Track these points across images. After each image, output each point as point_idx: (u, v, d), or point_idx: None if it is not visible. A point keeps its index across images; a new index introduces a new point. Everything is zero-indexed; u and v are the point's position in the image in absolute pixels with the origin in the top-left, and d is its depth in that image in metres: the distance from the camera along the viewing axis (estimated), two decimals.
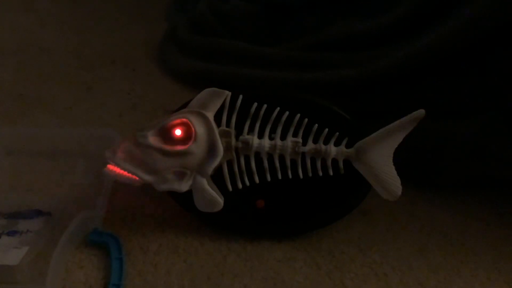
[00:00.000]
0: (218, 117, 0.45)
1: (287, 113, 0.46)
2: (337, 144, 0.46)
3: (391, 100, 0.60)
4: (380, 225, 0.52)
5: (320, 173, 0.46)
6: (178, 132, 0.44)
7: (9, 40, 0.89)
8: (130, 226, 0.50)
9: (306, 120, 0.46)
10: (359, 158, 0.46)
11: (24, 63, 0.82)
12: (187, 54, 0.81)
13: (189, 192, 0.45)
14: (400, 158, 0.46)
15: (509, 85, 0.53)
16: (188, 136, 0.44)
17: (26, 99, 0.72)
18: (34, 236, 0.47)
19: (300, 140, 0.46)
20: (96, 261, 0.46)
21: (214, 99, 0.45)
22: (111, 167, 0.45)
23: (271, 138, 0.46)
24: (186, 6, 0.96)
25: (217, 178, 0.46)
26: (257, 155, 0.46)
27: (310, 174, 0.46)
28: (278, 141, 0.45)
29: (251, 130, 0.46)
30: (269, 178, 0.46)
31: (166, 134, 0.44)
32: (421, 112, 0.44)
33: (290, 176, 0.46)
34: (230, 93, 0.45)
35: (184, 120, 0.44)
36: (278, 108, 0.46)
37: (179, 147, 0.44)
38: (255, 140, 0.45)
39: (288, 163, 0.46)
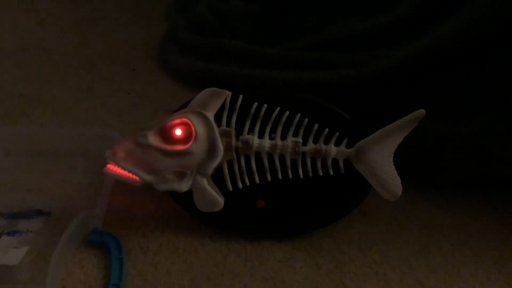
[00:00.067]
0: (218, 117, 0.45)
1: (287, 113, 0.46)
2: (337, 144, 0.46)
3: (391, 100, 0.60)
4: (380, 225, 0.52)
5: (321, 173, 0.46)
6: (178, 132, 0.44)
7: (9, 40, 0.89)
8: (130, 226, 0.50)
9: (306, 120, 0.46)
10: (360, 158, 0.46)
11: (24, 63, 0.82)
12: (187, 54, 0.81)
13: (189, 192, 0.45)
14: (400, 158, 0.46)
15: (509, 85, 0.53)
16: (188, 136, 0.44)
17: (26, 99, 0.72)
18: (34, 236, 0.47)
19: (300, 140, 0.46)
20: (96, 261, 0.46)
21: (214, 99, 0.45)
22: (111, 167, 0.45)
23: (271, 138, 0.46)
24: (187, 6, 0.96)
25: (217, 178, 0.46)
26: (257, 155, 0.46)
27: (311, 174, 0.46)
28: (279, 141, 0.45)
29: (251, 130, 0.46)
30: (269, 178, 0.46)
31: (166, 134, 0.44)
32: (421, 112, 0.44)
33: (290, 176, 0.46)
34: (230, 93, 0.45)
35: (185, 120, 0.44)
36: (279, 108, 0.46)
37: (179, 147, 0.44)
38: (255, 140, 0.45)
39: (288, 163, 0.46)
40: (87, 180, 0.55)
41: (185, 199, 0.46)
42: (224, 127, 0.45)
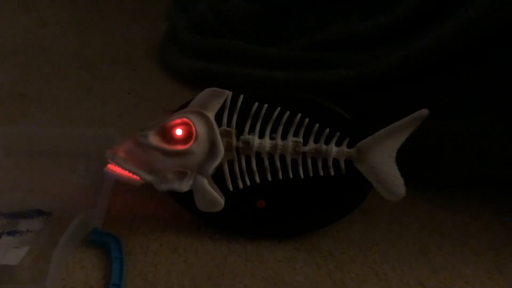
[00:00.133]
0: (219, 117, 0.45)
1: (288, 113, 0.46)
2: (338, 144, 0.46)
3: (391, 100, 0.60)
4: (380, 225, 0.52)
5: (321, 173, 0.46)
6: (178, 132, 0.44)
7: (9, 40, 0.89)
8: (130, 226, 0.50)
9: (307, 120, 0.46)
10: (361, 158, 0.46)
11: (24, 63, 0.82)
12: (187, 54, 0.81)
13: (190, 192, 0.45)
14: (400, 158, 0.46)
15: (509, 85, 0.53)
16: (188, 136, 0.44)
17: (27, 99, 0.72)
18: (34, 236, 0.47)
19: (301, 140, 0.46)
20: (96, 261, 0.46)
21: (215, 99, 0.45)
22: (111, 166, 0.46)
23: (272, 138, 0.46)
24: (187, 6, 0.96)
25: (217, 178, 0.46)
26: (258, 155, 0.46)
27: (311, 174, 0.46)
28: (279, 141, 0.45)
29: (252, 130, 0.46)
30: (270, 178, 0.46)
31: (166, 134, 0.44)
32: (424, 111, 0.44)
33: (291, 176, 0.46)
34: (231, 93, 0.46)
35: (185, 120, 0.44)
36: (279, 108, 0.46)
37: (180, 147, 0.44)
38: (256, 140, 0.45)
39: (289, 163, 0.46)
40: (87, 180, 0.55)
41: (186, 199, 0.46)
42: (224, 127, 0.45)
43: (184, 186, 0.44)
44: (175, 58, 0.81)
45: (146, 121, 0.46)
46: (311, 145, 0.46)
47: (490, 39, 0.53)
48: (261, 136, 0.46)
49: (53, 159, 0.58)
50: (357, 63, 0.64)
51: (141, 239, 0.49)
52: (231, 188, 0.45)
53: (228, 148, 0.45)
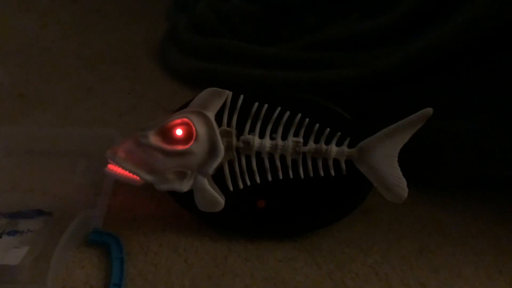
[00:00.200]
0: (219, 117, 0.45)
1: (288, 113, 0.46)
2: (338, 144, 0.46)
3: (391, 100, 0.60)
4: (381, 225, 0.52)
5: (322, 173, 0.46)
6: (179, 132, 0.44)
7: (9, 40, 0.89)
8: (130, 226, 0.50)
9: (307, 120, 0.46)
10: (362, 159, 0.46)
11: (24, 63, 0.82)
12: (188, 54, 0.81)
13: (190, 192, 0.45)
14: (400, 158, 0.46)
15: (509, 85, 0.53)
16: (189, 136, 0.44)
17: (27, 99, 0.72)
18: (34, 236, 0.47)
19: (301, 140, 0.46)
20: (96, 261, 0.46)
21: (215, 99, 0.45)
22: (111, 167, 0.46)
23: (272, 138, 0.46)
24: (187, 6, 0.96)
25: (218, 178, 0.46)
26: (258, 155, 0.46)
27: (311, 174, 0.46)
28: (279, 141, 0.45)
29: (252, 130, 0.46)
30: (270, 178, 0.46)
31: (167, 134, 0.44)
32: (428, 110, 0.43)
33: (291, 176, 0.46)
34: (231, 93, 0.46)
35: (185, 120, 0.44)
36: (279, 108, 0.46)
37: (180, 147, 0.44)
38: (256, 140, 0.45)
39: (289, 163, 0.46)
40: (87, 180, 0.55)
41: (186, 199, 0.46)
42: (224, 127, 0.45)
43: (185, 186, 0.44)
44: (175, 58, 0.81)
45: (146, 121, 0.46)
46: (312, 145, 0.46)
47: (490, 39, 0.53)
48: (261, 136, 0.46)
49: (53, 159, 0.58)
50: (357, 63, 0.64)
51: (142, 239, 0.49)
52: (231, 188, 0.45)
53: (228, 148, 0.45)
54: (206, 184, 0.44)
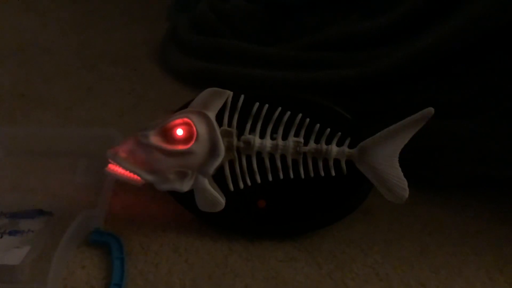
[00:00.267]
0: (219, 117, 0.45)
1: (288, 113, 0.46)
2: (339, 144, 0.46)
3: (391, 100, 0.61)
4: (381, 225, 0.53)
5: (322, 173, 0.46)
6: (179, 132, 0.44)
7: (10, 40, 0.90)
8: (131, 226, 0.50)
9: (307, 120, 0.46)
10: (362, 159, 0.46)
11: (25, 63, 0.82)
12: (188, 54, 0.81)
13: (191, 192, 0.45)
14: (400, 158, 0.46)
15: (509, 85, 0.53)
16: (189, 136, 0.44)
17: (27, 99, 0.72)
18: (35, 235, 0.47)
19: (301, 140, 0.46)
20: (97, 260, 0.46)
21: (216, 99, 0.45)
22: (112, 166, 0.46)
23: (272, 138, 0.46)
24: (187, 6, 0.96)
25: (218, 178, 0.46)
26: (259, 155, 0.46)
27: (312, 174, 0.46)
28: (280, 141, 0.45)
29: (252, 130, 0.46)
30: (270, 178, 0.46)
31: (167, 134, 0.44)
32: (429, 110, 0.43)
33: (292, 176, 0.46)
34: (231, 93, 0.46)
35: (186, 120, 0.44)
36: (280, 108, 0.46)
37: (181, 147, 0.44)
38: (256, 140, 0.45)
39: (290, 163, 0.46)
40: (88, 180, 0.55)
41: (186, 199, 0.46)
42: (225, 127, 0.45)
43: (185, 186, 0.44)
44: (176, 58, 0.81)
45: (146, 121, 0.46)
46: (312, 145, 0.46)
47: (490, 39, 0.53)
48: (262, 136, 0.46)
49: (54, 159, 0.58)
50: (357, 63, 0.64)
51: (142, 239, 0.49)
52: (232, 188, 0.45)
53: (229, 148, 0.45)
54: (207, 184, 0.44)
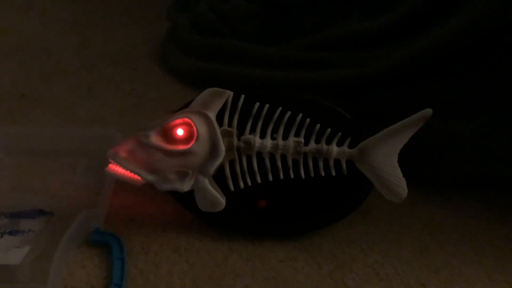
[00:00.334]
0: (220, 117, 0.45)
1: (289, 113, 0.46)
2: (339, 144, 0.46)
3: (391, 100, 0.61)
4: (381, 225, 0.53)
5: (322, 174, 0.46)
6: (180, 132, 0.44)
7: (10, 40, 0.90)
8: (131, 226, 0.50)
9: (308, 120, 0.46)
10: (362, 159, 0.46)
11: (25, 63, 0.82)
12: (188, 54, 0.81)
13: (191, 192, 0.45)
14: (400, 158, 0.46)
15: (509, 85, 0.53)
16: (190, 136, 0.44)
17: (27, 99, 0.72)
18: (35, 235, 0.47)
19: (302, 140, 0.46)
20: (97, 260, 0.46)
21: (216, 99, 0.45)
22: (112, 166, 0.46)
23: (273, 138, 0.46)
24: (188, 6, 0.96)
25: (219, 178, 0.46)
26: (259, 155, 0.46)
27: (312, 174, 0.46)
28: (280, 141, 0.46)
29: (253, 130, 0.46)
30: (271, 178, 0.46)
31: (168, 134, 0.45)
32: (428, 111, 0.43)
33: (292, 176, 0.46)
34: (232, 93, 0.46)
35: (186, 120, 0.44)
36: (280, 108, 0.46)
37: (181, 147, 0.44)
38: (257, 140, 0.45)
39: (290, 163, 0.46)
40: (88, 180, 0.55)
41: (187, 199, 0.46)
42: (225, 127, 0.45)
43: (185, 186, 0.44)
44: (176, 58, 0.81)
45: (147, 121, 0.46)
46: (312, 145, 0.46)
47: (490, 39, 0.53)
48: (262, 136, 0.46)
49: (54, 159, 0.58)
50: (357, 63, 0.64)
51: (142, 239, 0.49)
52: (232, 188, 0.46)
53: (229, 148, 0.45)
54: (207, 184, 0.44)
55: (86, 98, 0.73)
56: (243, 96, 0.45)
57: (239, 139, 0.46)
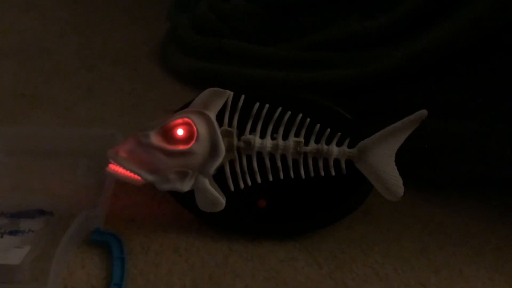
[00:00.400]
0: (220, 117, 0.45)
1: (289, 113, 0.46)
2: (339, 144, 0.46)
3: (391, 100, 0.61)
4: (381, 225, 0.53)
5: (322, 173, 0.46)
6: (180, 132, 0.44)
7: (10, 40, 0.90)
8: (131, 226, 0.50)
9: (308, 120, 0.46)
10: (362, 158, 0.46)
11: (25, 63, 0.82)
12: (188, 54, 0.81)
13: (191, 192, 0.45)
14: (400, 158, 0.46)
15: (509, 85, 0.53)
16: (190, 136, 0.44)
17: (28, 99, 0.72)
18: (36, 235, 0.47)
19: (302, 140, 0.46)
20: (97, 260, 0.46)
21: (216, 99, 0.45)
22: (113, 166, 0.46)
23: (273, 138, 0.46)
24: (188, 6, 0.96)
25: (219, 178, 0.46)
26: (259, 155, 0.46)
27: (312, 174, 0.46)
28: (280, 141, 0.46)
29: (253, 130, 0.46)
30: (271, 178, 0.46)
31: (168, 134, 0.45)
32: (423, 112, 0.44)
33: (292, 176, 0.46)
34: (232, 93, 0.46)
35: (186, 119, 0.44)
36: (280, 108, 0.46)
37: (181, 147, 0.44)
38: (257, 140, 0.45)
39: (290, 163, 0.46)
40: (89, 180, 0.55)
41: (187, 199, 0.46)
42: (226, 127, 0.45)
43: (186, 186, 0.44)
44: (176, 58, 0.81)
45: (147, 121, 0.46)
46: (312, 145, 0.46)
47: (490, 39, 0.53)
48: (262, 136, 0.46)
49: (54, 159, 0.58)
50: (357, 63, 0.64)
51: (142, 239, 0.49)
52: (232, 188, 0.46)
53: (229, 148, 0.45)
54: (207, 184, 0.44)
55: (86, 98, 0.73)
56: (243, 96, 0.45)
57: (239, 139, 0.46)
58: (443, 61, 0.56)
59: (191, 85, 0.76)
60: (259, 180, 0.46)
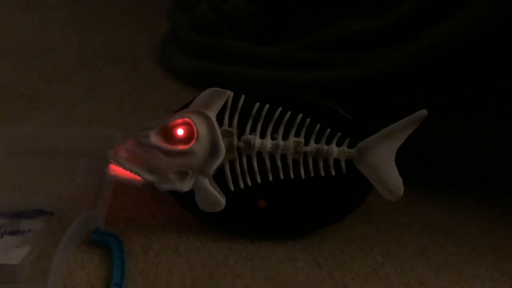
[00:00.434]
0: (220, 117, 0.45)
1: (289, 113, 0.46)
2: (339, 144, 0.46)
3: (391, 100, 0.61)
4: (381, 225, 0.53)
5: (322, 173, 0.46)
6: (180, 131, 0.44)
7: (10, 40, 0.90)
8: (131, 226, 0.50)
9: (308, 120, 0.46)
10: (362, 158, 0.46)
11: (25, 63, 0.82)
12: (188, 54, 0.81)
13: (191, 192, 0.45)
14: (401, 158, 0.46)
15: (509, 85, 0.53)
16: (190, 136, 0.44)
17: (28, 99, 0.72)
18: (36, 235, 0.47)
19: (302, 140, 0.46)
20: (97, 260, 0.46)
21: (216, 99, 0.45)
22: (113, 166, 0.46)
23: (273, 138, 0.46)
24: (188, 6, 0.96)
25: (219, 178, 0.46)
26: (259, 155, 0.46)
27: (312, 174, 0.46)
28: (280, 141, 0.46)
29: (253, 130, 0.46)
30: (271, 178, 0.46)
31: (168, 134, 0.44)
32: (423, 112, 0.44)
33: (292, 176, 0.46)
34: (232, 93, 0.46)
35: (186, 119, 0.44)
36: (280, 108, 0.46)
37: (181, 147, 0.44)
38: (257, 140, 0.45)
39: (290, 163, 0.46)
40: (89, 180, 0.55)
41: (187, 199, 0.46)
42: (226, 127, 0.45)
43: (186, 186, 0.44)
44: (176, 58, 0.81)
45: (147, 121, 0.46)
46: (312, 145, 0.46)
47: (490, 39, 0.53)
48: (263, 136, 0.46)
49: (55, 159, 0.58)
50: (357, 63, 0.64)
51: (142, 239, 0.49)
52: (232, 188, 0.45)
53: (229, 148, 0.45)
54: (207, 184, 0.44)
55: (86, 98, 0.73)
56: (243, 96, 0.45)
57: (239, 139, 0.46)
58: (443, 61, 0.56)
59: (191, 85, 0.76)
60: (259, 180, 0.46)
